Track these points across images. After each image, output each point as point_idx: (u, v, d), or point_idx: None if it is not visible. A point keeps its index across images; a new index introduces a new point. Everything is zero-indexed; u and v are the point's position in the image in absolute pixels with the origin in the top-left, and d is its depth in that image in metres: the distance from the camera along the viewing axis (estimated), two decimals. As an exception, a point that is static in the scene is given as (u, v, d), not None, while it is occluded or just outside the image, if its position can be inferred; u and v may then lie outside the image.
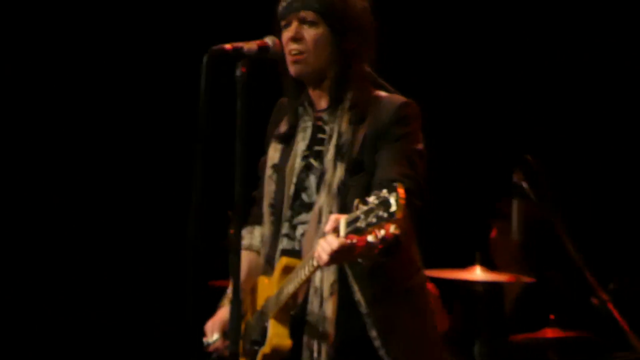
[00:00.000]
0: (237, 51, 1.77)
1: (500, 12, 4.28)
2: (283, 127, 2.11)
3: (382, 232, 1.55)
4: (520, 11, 4.28)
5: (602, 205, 3.68)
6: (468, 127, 3.58)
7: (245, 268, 2.07)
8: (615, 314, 2.77)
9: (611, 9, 4.15)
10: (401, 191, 1.55)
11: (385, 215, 1.54)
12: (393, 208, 1.54)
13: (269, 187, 2.10)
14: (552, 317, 3.12)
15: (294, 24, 1.96)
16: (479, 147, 3.50)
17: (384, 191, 1.59)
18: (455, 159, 3.43)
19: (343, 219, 1.64)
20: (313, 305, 1.96)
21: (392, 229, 1.56)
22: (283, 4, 2.02)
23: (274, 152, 2.10)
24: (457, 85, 3.87)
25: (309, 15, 1.97)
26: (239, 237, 1.85)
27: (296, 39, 1.94)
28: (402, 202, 1.54)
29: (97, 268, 4.81)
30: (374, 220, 1.57)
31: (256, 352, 2.01)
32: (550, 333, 3.14)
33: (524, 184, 2.73)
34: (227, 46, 1.76)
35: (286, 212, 2.05)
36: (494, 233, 3.56)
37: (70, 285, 4.83)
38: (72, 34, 4.98)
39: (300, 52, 1.95)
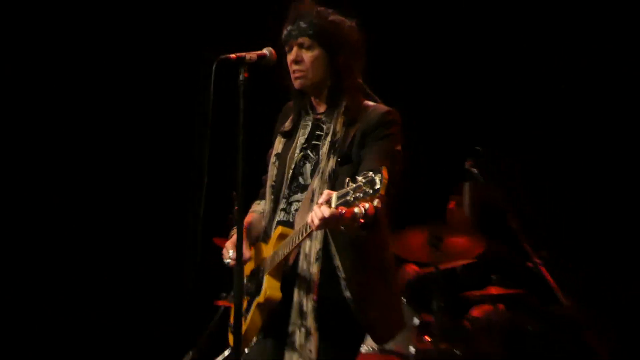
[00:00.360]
0: (241, 59, 2.17)
1: (453, 8, 4.64)
2: (287, 125, 2.49)
3: (367, 205, 1.87)
4: (472, 6, 4.65)
5: (541, 187, 4.17)
6: (435, 126, 4.10)
7: (252, 220, 2.52)
8: (547, 274, 3.32)
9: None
10: (385, 173, 1.88)
11: (371, 191, 1.87)
12: (377, 185, 1.86)
13: (271, 172, 2.48)
14: (494, 277, 3.61)
15: (295, 49, 2.32)
16: (442, 142, 4.00)
17: (371, 172, 1.91)
18: (425, 151, 3.86)
19: (335, 194, 1.98)
20: (302, 267, 2.32)
21: (376, 202, 1.89)
22: (285, 32, 2.37)
23: (278, 144, 2.49)
24: (424, 90, 4.29)
25: (305, 41, 2.31)
26: (241, 213, 2.22)
27: (297, 61, 2.32)
28: (385, 181, 1.86)
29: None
30: (361, 195, 1.89)
31: (251, 303, 2.38)
32: (493, 290, 3.69)
33: (474, 170, 3.32)
34: (232, 55, 2.17)
35: (284, 191, 2.42)
36: (451, 205, 4.08)
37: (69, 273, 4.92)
38: (75, 38, 4.88)
39: (301, 71, 2.32)
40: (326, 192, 2.06)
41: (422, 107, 4.11)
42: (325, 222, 2.01)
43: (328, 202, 1.99)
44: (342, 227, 2.10)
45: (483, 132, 4.03)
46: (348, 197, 1.93)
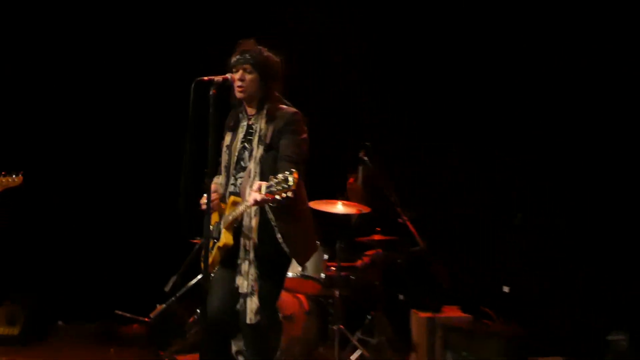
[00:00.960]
0: (211, 81, 2.93)
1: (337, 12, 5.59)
2: (231, 124, 3.27)
3: (284, 194, 2.70)
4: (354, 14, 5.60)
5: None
6: (339, 127, 5.02)
7: (216, 187, 3.19)
8: (411, 227, 4.35)
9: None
10: (295, 175, 2.69)
11: (286, 186, 2.69)
12: (290, 184, 2.68)
13: (224, 157, 3.25)
14: (378, 229, 4.78)
15: (240, 72, 3.11)
16: (344, 139, 4.84)
17: (287, 173, 2.70)
18: (332, 144, 4.74)
19: (264, 185, 2.79)
20: (246, 221, 3.11)
21: (290, 194, 2.71)
22: (233, 59, 3.15)
23: (227, 138, 3.27)
24: (334, 102, 5.18)
25: (247, 67, 3.11)
26: (209, 183, 2.96)
27: (241, 79, 3.10)
28: (296, 180, 2.68)
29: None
30: (280, 188, 2.69)
31: (214, 245, 3.14)
32: (377, 237, 4.77)
33: (365, 158, 4.34)
34: (205, 78, 2.92)
35: (232, 171, 3.22)
36: (350, 181, 5.10)
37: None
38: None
39: (242, 87, 3.10)
40: (257, 183, 2.89)
41: (332, 116, 4.93)
42: (257, 203, 2.90)
43: (259, 189, 2.83)
44: (271, 202, 2.90)
45: (371, 133, 4.84)
46: (272, 188, 2.77)
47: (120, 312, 5.19)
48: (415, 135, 5.61)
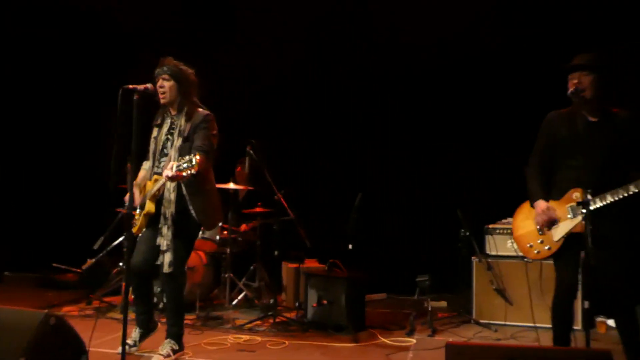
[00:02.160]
0: (135, 89, 3.33)
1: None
2: (158, 121, 3.74)
3: (189, 171, 3.17)
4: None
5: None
6: (234, 127, 5.06)
7: (142, 174, 3.75)
8: (284, 202, 4.95)
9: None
10: (197, 156, 3.16)
11: (191, 165, 3.17)
12: (193, 163, 3.16)
13: (151, 146, 3.73)
14: (259, 203, 5.44)
15: (160, 80, 3.62)
16: (237, 135, 5.18)
17: (192, 155, 3.20)
18: (231, 139, 4.61)
19: (174, 164, 3.25)
20: (166, 194, 3.61)
21: (193, 171, 3.17)
22: (156, 72, 3.64)
23: (154, 132, 3.73)
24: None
25: (166, 77, 3.63)
26: (135, 169, 3.52)
27: (162, 86, 3.61)
28: (198, 160, 3.14)
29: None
30: (185, 166, 3.18)
31: (141, 212, 3.62)
32: (258, 209, 5.42)
33: (251, 151, 4.91)
34: (131, 86, 3.31)
35: (157, 156, 3.71)
36: (238, 169, 5.73)
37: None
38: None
39: (164, 93, 3.62)
40: (170, 163, 3.32)
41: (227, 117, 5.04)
42: (170, 179, 3.35)
43: (172, 168, 3.27)
44: (180, 179, 3.38)
45: (255, 131, 5.38)
46: (180, 167, 3.21)
47: (57, 265, 5.71)
48: (288, 135, 6.43)
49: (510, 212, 4.28)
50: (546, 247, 3.36)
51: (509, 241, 4.84)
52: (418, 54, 5.99)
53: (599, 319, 4.68)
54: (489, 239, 5.01)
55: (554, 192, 3.38)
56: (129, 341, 3.72)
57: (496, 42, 5.59)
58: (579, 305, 4.26)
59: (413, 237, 6.15)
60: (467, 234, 4.93)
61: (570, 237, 3.25)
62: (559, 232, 3.32)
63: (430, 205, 6.17)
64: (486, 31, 5.61)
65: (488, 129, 5.90)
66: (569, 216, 3.29)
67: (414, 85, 6.22)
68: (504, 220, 5.08)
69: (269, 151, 5.19)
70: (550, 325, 3.51)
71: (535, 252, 3.41)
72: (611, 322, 4.71)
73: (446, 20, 5.70)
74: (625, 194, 3.02)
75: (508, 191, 4.36)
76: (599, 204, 3.09)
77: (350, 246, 4.78)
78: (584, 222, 2.99)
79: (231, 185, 5.37)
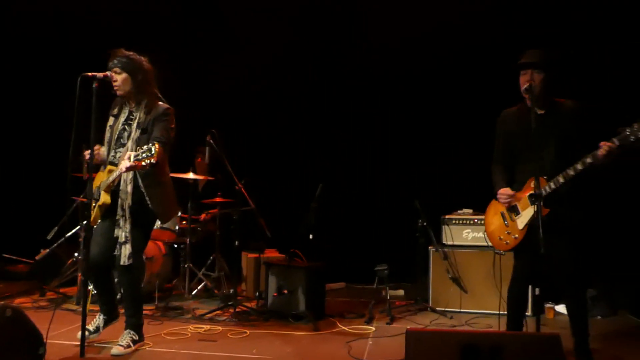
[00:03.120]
0: (94, 76, 3.41)
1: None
2: (114, 111, 3.71)
3: (148, 160, 3.17)
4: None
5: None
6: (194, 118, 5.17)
7: (100, 156, 3.64)
8: (244, 192, 4.87)
9: None
10: (157, 145, 3.19)
11: (150, 154, 3.18)
12: (152, 152, 3.18)
13: (107, 135, 3.66)
14: (219, 193, 5.45)
15: (113, 73, 3.56)
16: (197, 127, 5.15)
17: (150, 144, 3.20)
18: (189, 130, 4.62)
19: (132, 154, 3.25)
20: (122, 186, 3.58)
21: (152, 160, 3.18)
22: (110, 63, 3.57)
23: (110, 121, 3.69)
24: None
25: (117, 69, 3.56)
26: (91, 157, 3.41)
27: (115, 80, 3.55)
28: (157, 150, 3.17)
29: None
30: (144, 156, 3.19)
31: (96, 204, 3.55)
32: (218, 199, 5.43)
33: (211, 141, 4.80)
34: (90, 73, 3.38)
35: (113, 146, 3.65)
36: (198, 159, 5.74)
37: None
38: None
39: (117, 86, 3.55)
40: (128, 153, 3.30)
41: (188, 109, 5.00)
42: (127, 168, 3.33)
43: (129, 158, 3.26)
44: (138, 169, 3.37)
45: (215, 120, 5.23)
46: (138, 157, 3.21)
47: (7, 255, 5.61)
48: (248, 125, 6.45)
49: (466, 203, 4.49)
50: (513, 237, 3.52)
51: (465, 231, 5.03)
52: (380, 48, 6.10)
53: (548, 305, 4.88)
54: (445, 229, 5.15)
55: (515, 186, 3.55)
56: (90, 327, 3.71)
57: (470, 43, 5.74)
58: (530, 293, 4.53)
59: (372, 228, 6.26)
60: (425, 224, 5.06)
61: (532, 225, 3.41)
62: (522, 220, 3.49)
63: (388, 196, 6.29)
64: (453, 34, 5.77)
65: (444, 121, 6.04)
66: (530, 204, 3.44)
67: (373, 77, 6.32)
68: (459, 211, 5.23)
69: (229, 141, 5.13)
70: (501, 312, 3.72)
71: (505, 243, 3.57)
72: (559, 308, 4.95)
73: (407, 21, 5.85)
74: (573, 173, 3.19)
75: (464, 183, 4.54)
76: (553, 186, 3.26)
77: (310, 236, 4.85)
78: (543, 206, 3.24)
79: (190, 175, 5.35)
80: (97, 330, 3.78)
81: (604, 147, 3.05)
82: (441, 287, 5.03)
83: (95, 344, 3.76)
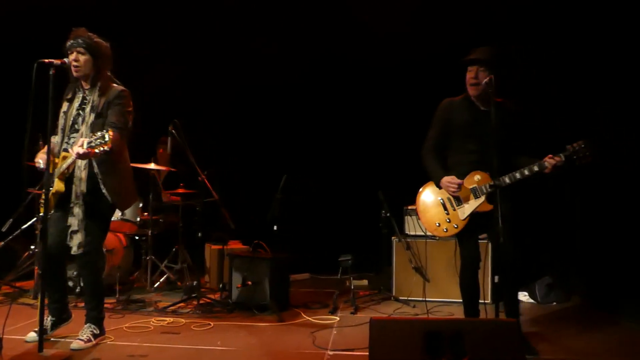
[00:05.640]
0: (51, 63, 3.30)
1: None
2: (69, 95, 3.59)
3: (102, 148, 3.10)
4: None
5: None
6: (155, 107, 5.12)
7: (52, 146, 3.47)
8: (207, 184, 4.81)
9: None
10: (110, 132, 3.10)
11: (103, 141, 3.10)
12: (106, 139, 3.10)
13: (60, 121, 3.55)
14: (182, 184, 5.43)
15: (75, 53, 3.44)
16: (160, 115, 5.13)
17: (104, 131, 3.11)
18: (151, 119, 4.69)
19: (85, 140, 3.14)
20: (77, 172, 3.47)
21: (106, 147, 3.10)
22: (68, 43, 3.46)
23: (64, 106, 3.58)
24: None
25: (81, 50, 3.47)
26: (49, 145, 3.33)
27: (76, 60, 3.46)
28: (111, 137, 3.08)
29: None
30: (98, 143, 3.10)
31: (49, 192, 3.40)
32: (180, 190, 5.40)
33: (173, 131, 4.74)
34: (46, 60, 3.27)
35: (67, 132, 3.54)
36: (160, 150, 5.72)
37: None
38: None
39: (78, 67, 3.45)
40: (80, 140, 3.20)
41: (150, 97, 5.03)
42: (80, 156, 3.21)
43: (82, 145, 3.16)
44: (92, 156, 3.29)
45: (178, 110, 5.10)
46: (92, 143, 3.13)
47: None
48: (212, 114, 6.42)
49: None
50: (454, 225, 3.66)
51: (417, 221, 5.12)
52: (339, 39, 6.14)
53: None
54: (408, 219, 5.25)
55: (452, 174, 3.65)
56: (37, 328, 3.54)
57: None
58: (489, 281, 4.70)
59: (336, 219, 6.33)
60: (388, 215, 5.12)
61: (474, 216, 3.59)
62: (465, 211, 3.63)
63: (352, 187, 6.36)
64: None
65: (407, 113, 6.10)
66: (472, 196, 3.59)
67: (336, 68, 6.36)
68: (422, 202, 5.26)
69: (192, 131, 5.06)
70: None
71: (444, 230, 3.70)
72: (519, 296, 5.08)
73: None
74: (520, 177, 3.42)
75: (427, 174, 4.62)
76: (508, 181, 3.45)
77: (274, 227, 4.88)
78: (486, 201, 3.52)
79: (152, 166, 5.31)
80: (44, 333, 3.50)
81: (550, 161, 3.31)
82: (404, 276, 5.11)
83: (53, 339, 3.69)
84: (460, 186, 3.58)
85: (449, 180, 3.59)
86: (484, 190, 3.55)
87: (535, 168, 3.38)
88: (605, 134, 5.09)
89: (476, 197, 3.58)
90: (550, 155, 3.34)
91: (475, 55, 3.54)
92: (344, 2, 5.90)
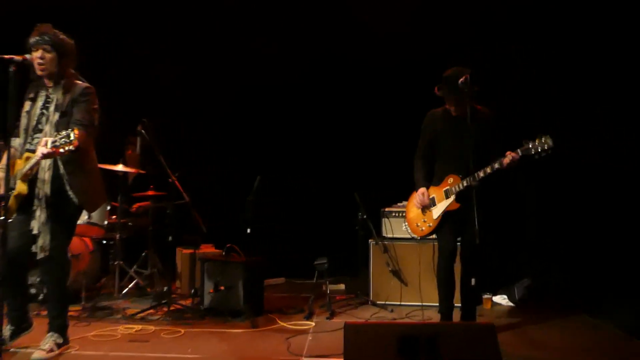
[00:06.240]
0: (12, 59, 3.14)
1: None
2: (31, 94, 3.51)
3: (67, 147, 3.04)
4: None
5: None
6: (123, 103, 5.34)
7: (11, 153, 3.25)
8: (178, 185, 4.74)
9: None
10: (76, 131, 3.04)
11: (68, 140, 3.04)
12: (71, 138, 3.04)
13: (23, 121, 3.49)
14: (152, 186, 5.37)
15: (40, 51, 3.38)
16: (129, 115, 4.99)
17: (69, 130, 3.05)
18: (120, 119, 5.02)
19: (49, 140, 3.10)
20: (40, 174, 3.40)
21: (71, 146, 3.03)
22: (32, 40, 3.37)
23: (26, 105, 3.52)
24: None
25: (47, 47, 3.41)
26: (8, 146, 3.17)
27: (42, 58, 3.38)
28: (77, 135, 3.03)
29: None
30: (62, 142, 3.04)
31: (11, 195, 3.34)
32: (150, 192, 5.38)
33: (142, 131, 4.66)
34: (7, 56, 3.11)
35: (30, 132, 3.46)
36: (129, 152, 5.64)
37: None
38: None
39: (43, 65, 3.39)
40: (44, 139, 3.15)
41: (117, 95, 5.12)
42: (45, 156, 3.17)
43: (46, 144, 3.11)
44: (57, 156, 3.24)
45: (147, 110, 4.97)
46: (56, 143, 3.08)
47: None
48: (182, 114, 6.35)
49: (405, 196, 4.58)
50: (428, 225, 4.09)
51: (404, 224, 5.14)
52: (318, 39, 6.15)
53: (485, 295, 5.06)
54: (385, 221, 5.25)
55: (435, 180, 4.10)
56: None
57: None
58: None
59: (311, 221, 6.32)
60: (364, 217, 5.13)
61: (446, 214, 4.00)
62: (437, 211, 4.04)
63: (328, 189, 6.36)
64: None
65: (385, 114, 6.19)
66: (444, 197, 4.00)
67: (311, 67, 6.36)
68: (399, 204, 5.33)
69: (162, 131, 4.98)
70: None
71: (421, 229, 4.15)
72: (496, 299, 5.15)
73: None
74: (483, 175, 3.73)
75: (403, 176, 4.65)
76: (466, 184, 3.82)
77: (248, 230, 4.88)
78: (454, 201, 3.94)
79: (120, 168, 5.25)
80: (2, 343, 3.32)
81: (508, 156, 3.60)
82: (382, 280, 5.11)
83: (12, 349, 3.57)
84: (433, 200, 4.06)
85: (420, 193, 4.09)
86: (453, 191, 3.93)
87: (497, 165, 3.67)
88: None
89: (447, 197, 3.99)
90: (508, 152, 3.63)
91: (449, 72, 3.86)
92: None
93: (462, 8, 5.75)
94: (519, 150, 3.58)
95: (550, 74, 5.67)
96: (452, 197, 3.94)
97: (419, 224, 4.15)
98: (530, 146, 3.53)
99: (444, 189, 4.00)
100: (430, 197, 4.07)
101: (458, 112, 3.88)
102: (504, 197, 5.14)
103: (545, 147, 3.51)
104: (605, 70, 5.36)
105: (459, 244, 4.05)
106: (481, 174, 3.69)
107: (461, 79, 3.64)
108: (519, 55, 5.66)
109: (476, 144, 3.67)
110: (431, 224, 4.06)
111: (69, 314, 3.72)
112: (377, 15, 5.83)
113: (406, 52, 5.80)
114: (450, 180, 3.96)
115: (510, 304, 5.14)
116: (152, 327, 4.22)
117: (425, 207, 4.06)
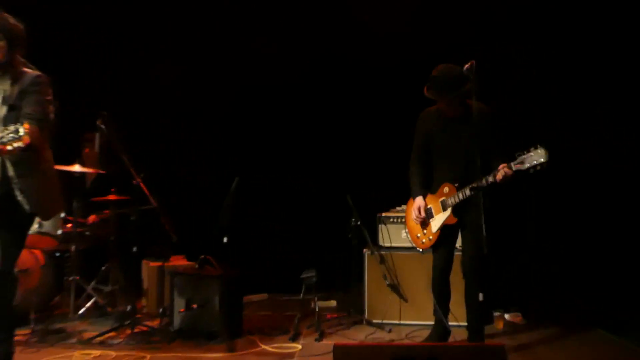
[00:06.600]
0: None
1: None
2: None
3: (16, 144, 2.97)
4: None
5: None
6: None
7: None
8: (144, 188, 4.75)
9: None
10: (26, 126, 2.98)
11: (17, 136, 2.97)
12: (21, 133, 2.97)
13: None
14: (113, 189, 5.24)
15: None
16: (91, 109, 4.80)
17: (18, 124, 2.99)
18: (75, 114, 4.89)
19: None
20: None
21: (21, 144, 2.97)
22: None
23: None
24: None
25: None
26: None
27: None
28: (27, 131, 2.96)
29: None
30: (10, 138, 2.97)
31: None
32: (112, 197, 5.25)
33: (102, 125, 4.55)
34: None
35: None
36: (86, 150, 5.55)
37: None
38: None
39: None
40: None
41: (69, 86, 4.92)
42: None
43: None
44: (4, 155, 3.18)
45: (108, 102, 5.08)
46: (3, 139, 3.02)
47: None
48: (149, 107, 6.21)
49: (405, 200, 4.51)
50: (429, 238, 4.20)
51: (404, 231, 5.03)
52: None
53: (497, 313, 5.00)
54: (382, 228, 5.17)
55: (433, 186, 4.21)
56: None
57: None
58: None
59: (298, 228, 6.25)
60: (358, 223, 5.03)
61: (444, 228, 4.10)
62: (435, 224, 4.16)
63: (317, 191, 6.31)
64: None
65: (380, 109, 6.22)
66: (442, 209, 4.11)
67: (301, 65, 6.37)
68: (398, 208, 5.28)
69: (125, 126, 4.90)
70: (453, 323, 4.30)
71: (422, 242, 4.25)
72: (508, 317, 5.04)
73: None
74: (485, 183, 3.81)
75: (402, 177, 4.59)
76: (461, 197, 3.95)
77: (225, 239, 4.78)
78: (452, 215, 4.06)
79: (77, 168, 5.17)
80: None
81: (501, 171, 3.67)
82: (378, 295, 5.02)
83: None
84: (430, 211, 4.19)
85: (416, 205, 4.20)
86: (450, 203, 4.04)
87: (490, 179, 3.76)
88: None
89: (444, 209, 4.10)
90: (502, 166, 3.70)
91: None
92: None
93: (462, 8, 5.93)
94: (512, 165, 3.66)
95: (550, 74, 5.93)
96: (449, 211, 4.06)
97: (419, 235, 4.27)
98: (524, 161, 3.60)
99: (440, 199, 4.13)
100: (428, 207, 4.18)
101: (451, 113, 3.96)
102: (503, 197, 5.09)
103: (541, 161, 3.57)
104: (605, 71, 5.64)
105: (459, 253, 4.16)
106: (475, 186, 3.80)
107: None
108: (519, 55, 5.90)
109: (474, 146, 3.72)
110: (431, 237, 4.18)
111: (15, 338, 3.61)
112: (377, 15, 6.02)
113: (406, 52, 5.93)
114: (446, 189, 4.09)
115: (525, 321, 5.05)
116: (112, 353, 4.16)
117: (424, 222, 4.20)
